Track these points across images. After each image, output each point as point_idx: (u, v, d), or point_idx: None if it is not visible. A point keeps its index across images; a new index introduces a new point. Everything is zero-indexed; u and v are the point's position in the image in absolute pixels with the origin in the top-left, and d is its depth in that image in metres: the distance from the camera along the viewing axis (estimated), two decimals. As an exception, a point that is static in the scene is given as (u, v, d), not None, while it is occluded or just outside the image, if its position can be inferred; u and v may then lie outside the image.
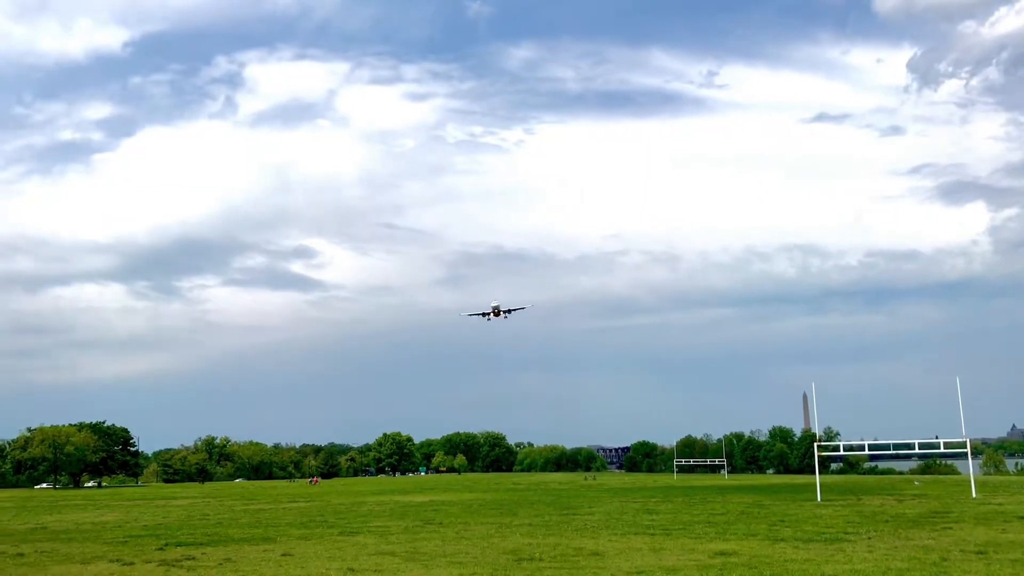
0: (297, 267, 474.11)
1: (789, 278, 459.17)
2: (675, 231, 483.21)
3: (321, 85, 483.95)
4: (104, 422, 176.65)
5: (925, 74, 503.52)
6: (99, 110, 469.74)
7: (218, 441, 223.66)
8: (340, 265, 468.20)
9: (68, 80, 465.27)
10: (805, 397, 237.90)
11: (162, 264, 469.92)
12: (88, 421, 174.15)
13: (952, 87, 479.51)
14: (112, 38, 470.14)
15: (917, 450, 71.25)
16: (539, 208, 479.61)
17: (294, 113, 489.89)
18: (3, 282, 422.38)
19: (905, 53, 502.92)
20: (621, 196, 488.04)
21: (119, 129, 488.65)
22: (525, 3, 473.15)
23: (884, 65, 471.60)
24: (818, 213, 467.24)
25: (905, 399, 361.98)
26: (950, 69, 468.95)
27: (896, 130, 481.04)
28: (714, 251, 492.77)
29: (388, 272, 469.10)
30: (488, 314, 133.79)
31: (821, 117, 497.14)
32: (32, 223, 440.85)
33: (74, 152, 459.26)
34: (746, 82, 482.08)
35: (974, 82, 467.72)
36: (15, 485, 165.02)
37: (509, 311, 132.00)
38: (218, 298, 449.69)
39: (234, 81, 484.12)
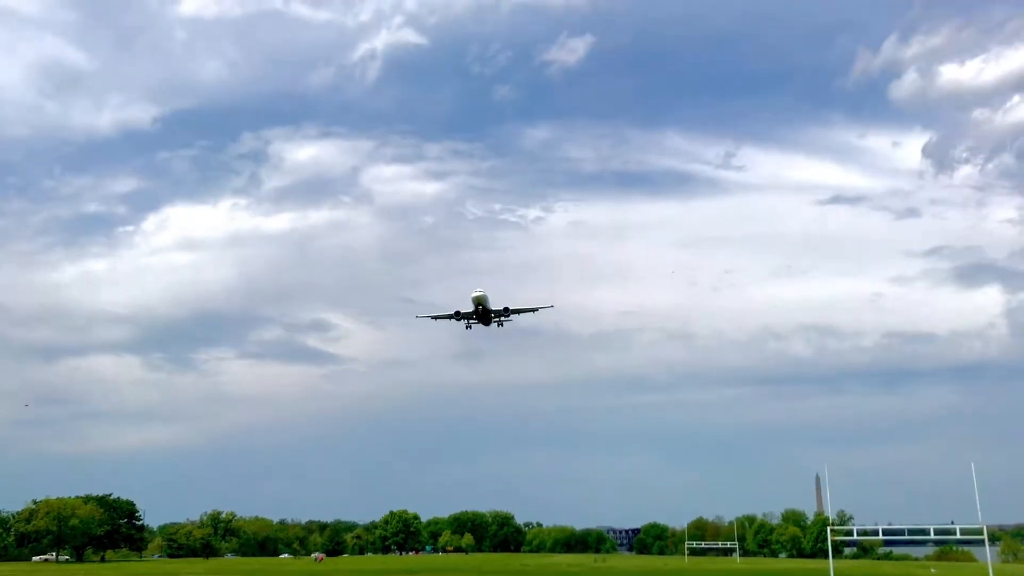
0: (313, 340, 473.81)
1: (805, 358, 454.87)
2: (691, 309, 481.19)
3: (345, 162, 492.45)
4: (111, 495, 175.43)
5: (941, 159, 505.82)
6: (125, 184, 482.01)
7: (224, 515, 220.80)
8: (356, 339, 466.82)
9: (96, 154, 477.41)
10: (818, 479, 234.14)
11: (178, 336, 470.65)
12: (95, 493, 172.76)
13: (967, 172, 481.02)
14: (142, 113, 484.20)
15: (932, 536, 69.59)
16: (556, 284, 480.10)
17: (317, 189, 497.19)
18: (23, 351, 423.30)
19: (920, 137, 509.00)
20: (637, 273, 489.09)
21: (144, 203, 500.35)
22: (544, 86, 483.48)
23: (900, 148, 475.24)
24: (834, 293, 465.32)
25: (921, 482, 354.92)
26: (965, 155, 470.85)
27: (912, 212, 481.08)
28: (730, 329, 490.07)
29: (403, 346, 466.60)
30: (467, 317, 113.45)
31: (837, 199, 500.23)
32: (54, 293, 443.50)
33: (98, 225, 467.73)
34: (762, 164, 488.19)
35: (989, 167, 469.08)
36: (17, 558, 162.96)
37: (506, 313, 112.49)
38: (232, 370, 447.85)
39: (259, 157, 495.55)
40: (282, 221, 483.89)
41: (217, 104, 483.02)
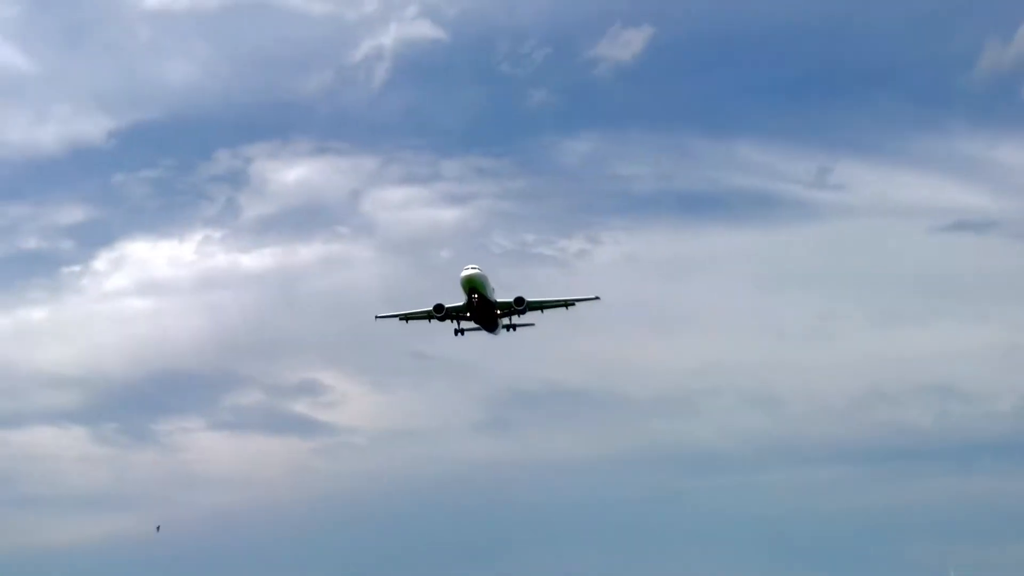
0: (301, 406, 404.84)
1: (922, 427, 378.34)
2: (777, 365, 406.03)
3: (343, 184, 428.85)
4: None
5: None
6: (72, 213, 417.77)
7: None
8: (354, 404, 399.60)
9: (38, 177, 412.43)
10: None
11: (136, 402, 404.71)
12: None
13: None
14: (94, 127, 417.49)
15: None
16: (605, 335, 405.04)
17: (308, 217, 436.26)
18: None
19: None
20: (708, 320, 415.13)
21: (95, 236, 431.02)
22: (590, 88, 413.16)
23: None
24: (959, 345, 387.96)
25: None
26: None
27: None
28: (826, 392, 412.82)
29: (414, 413, 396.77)
30: (455, 315, 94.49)
31: (960, 225, 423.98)
32: None
33: (39, 264, 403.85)
34: (864, 182, 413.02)
35: None
36: None
37: (520, 307, 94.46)
38: (201, 445, 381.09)
39: (237, 179, 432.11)
40: (265, 257, 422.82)
41: (187, 115, 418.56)
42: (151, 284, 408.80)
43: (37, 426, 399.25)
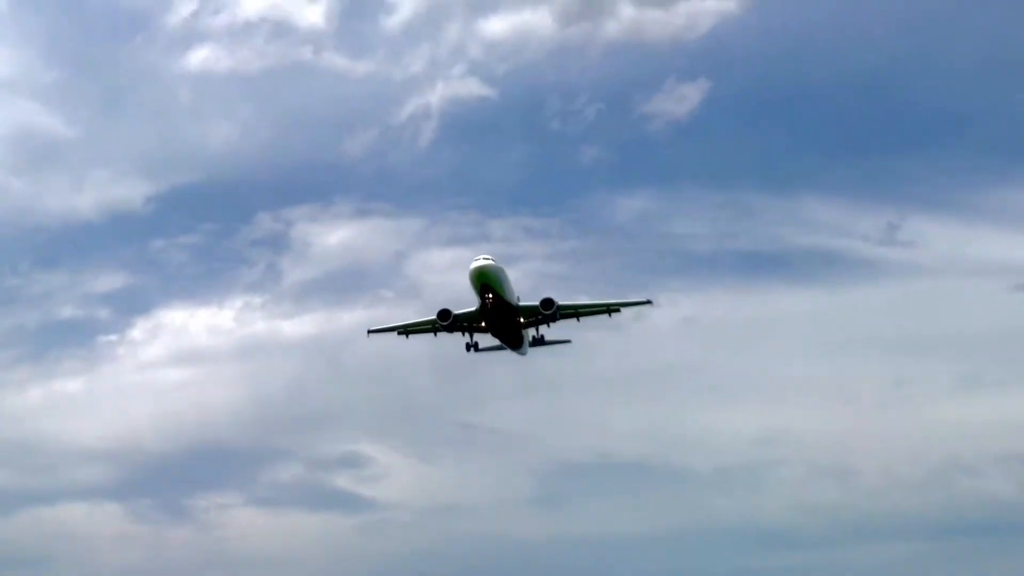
0: (343, 480, 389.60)
1: (1007, 499, 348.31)
2: (847, 434, 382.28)
3: (386, 246, 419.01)
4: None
5: None
6: (109, 281, 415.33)
7: None
8: (398, 477, 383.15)
9: (75, 244, 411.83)
10: None
11: (172, 477, 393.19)
12: None
13: None
14: (132, 192, 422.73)
15: None
16: (663, 403, 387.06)
17: (351, 281, 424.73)
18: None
19: None
20: (773, 386, 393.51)
21: (132, 305, 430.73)
22: (644, 144, 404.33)
23: None
24: None
25: None
26: None
27: None
28: (901, 462, 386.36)
29: (461, 487, 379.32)
30: (464, 325, 78.96)
31: None
32: (16, 423, 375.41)
33: (75, 333, 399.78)
34: (937, 238, 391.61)
35: None
36: None
37: (550, 313, 79.37)
38: (239, 521, 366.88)
39: (278, 243, 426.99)
40: (306, 324, 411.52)
41: (227, 178, 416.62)
42: (189, 353, 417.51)
43: (70, 503, 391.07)
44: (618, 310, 75.48)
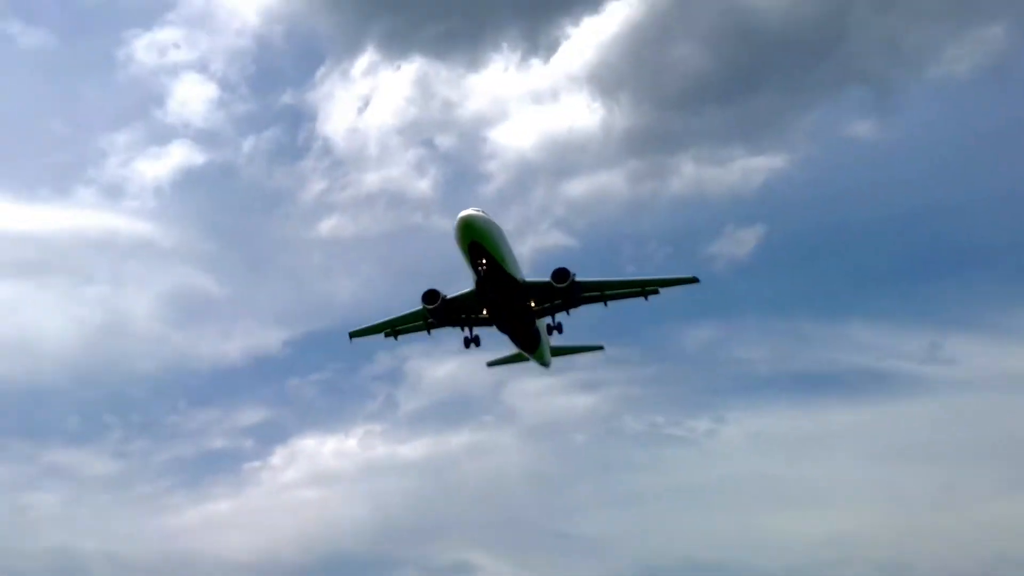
0: None
1: None
2: (903, 534, 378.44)
3: (485, 377, 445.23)
4: None
5: None
6: (252, 416, 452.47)
7: None
8: None
9: (223, 385, 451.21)
10: None
11: None
12: None
13: None
14: (272, 338, 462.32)
15: None
16: (736, 510, 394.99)
17: (457, 409, 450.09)
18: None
19: None
20: (834, 493, 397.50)
21: (272, 435, 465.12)
22: (706, 280, 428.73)
23: None
24: None
25: None
26: None
27: None
28: (954, 557, 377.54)
29: None
30: (460, 307, 61.16)
31: None
32: (174, 541, 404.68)
33: (224, 462, 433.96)
34: (975, 355, 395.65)
35: None
36: None
37: (569, 287, 60.33)
38: None
39: (395, 377, 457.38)
40: (419, 447, 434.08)
41: (352, 325, 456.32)
42: (320, 475, 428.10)
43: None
44: (656, 291, 60.11)
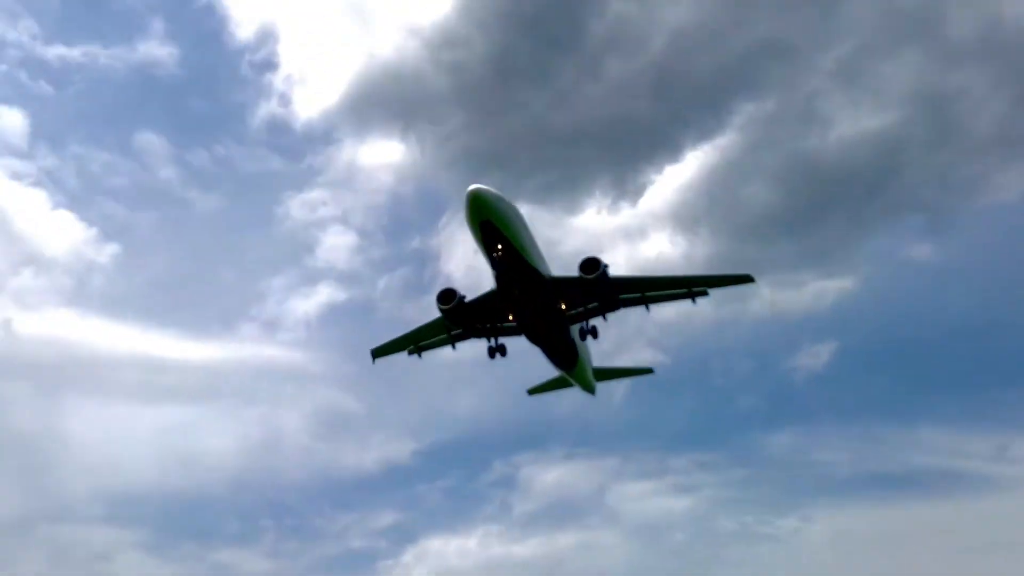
0: None
1: None
2: None
3: (591, 482, 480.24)
4: None
5: None
6: (386, 518, 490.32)
7: None
8: None
9: (361, 492, 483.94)
10: None
11: None
12: None
13: None
14: (403, 449, 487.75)
15: None
16: None
17: (565, 512, 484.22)
18: None
19: None
20: None
21: (403, 536, 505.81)
22: (786, 390, 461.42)
23: None
24: None
25: None
26: None
27: None
28: None
29: None
30: (469, 319, 55.29)
31: None
32: None
33: (362, 560, 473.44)
34: None
35: None
36: None
37: (592, 275, 52.44)
38: None
39: (509, 483, 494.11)
40: (531, 546, 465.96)
41: (472, 436, 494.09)
42: (445, 573, 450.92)
43: None
44: (705, 292, 53.40)
